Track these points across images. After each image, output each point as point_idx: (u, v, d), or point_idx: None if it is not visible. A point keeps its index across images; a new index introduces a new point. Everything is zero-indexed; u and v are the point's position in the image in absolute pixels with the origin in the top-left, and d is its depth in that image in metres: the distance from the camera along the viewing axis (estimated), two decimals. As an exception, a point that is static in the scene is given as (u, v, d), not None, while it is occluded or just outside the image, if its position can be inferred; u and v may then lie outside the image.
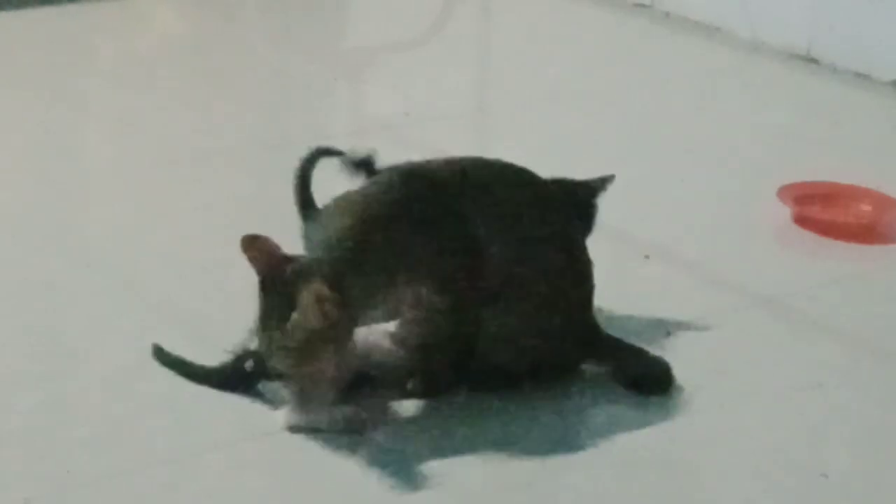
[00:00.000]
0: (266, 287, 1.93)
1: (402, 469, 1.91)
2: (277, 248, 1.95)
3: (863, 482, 1.96)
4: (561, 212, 2.11)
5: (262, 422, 2.01)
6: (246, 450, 1.96)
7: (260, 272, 1.94)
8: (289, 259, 1.95)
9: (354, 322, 1.97)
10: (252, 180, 2.91)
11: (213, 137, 3.15)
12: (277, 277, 1.92)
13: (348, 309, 1.92)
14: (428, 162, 2.10)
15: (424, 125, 3.23)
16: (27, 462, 1.93)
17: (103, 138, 3.24)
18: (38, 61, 3.63)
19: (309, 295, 1.88)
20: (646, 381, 2.12)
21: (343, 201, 2.03)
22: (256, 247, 1.94)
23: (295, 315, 1.89)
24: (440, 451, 1.95)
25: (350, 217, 1.98)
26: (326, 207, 2.07)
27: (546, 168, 3.03)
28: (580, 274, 2.10)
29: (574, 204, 2.26)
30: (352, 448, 1.95)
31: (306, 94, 3.48)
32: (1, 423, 2.02)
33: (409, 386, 2.03)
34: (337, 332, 1.92)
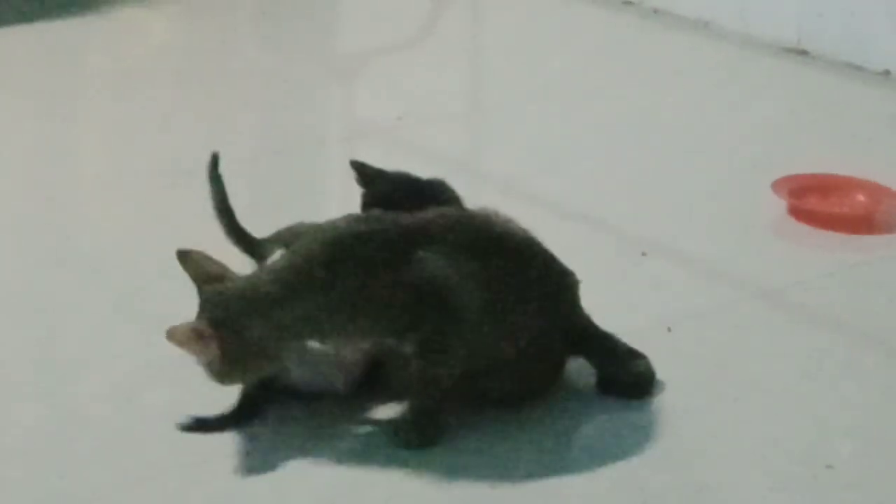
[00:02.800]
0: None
1: (403, 481, 1.91)
2: (212, 263, 1.99)
3: (868, 472, 1.95)
4: (517, 233, 2.08)
5: (268, 430, 2.01)
6: (252, 458, 1.95)
7: (195, 282, 1.98)
8: (216, 276, 1.97)
9: (266, 353, 1.97)
10: (247, 187, 2.90)
11: (207, 145, 3.13)
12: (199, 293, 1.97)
13: (246, 344, 1.93)
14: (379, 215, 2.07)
15: (417, 128, 3.23)
16: (31, 476, 1.92)
17: (99, 149, 3.24)
18: (31, 75, 3.63)
19: (185, 333, 1.91)
20: (625, 386, 2.11)
21: (294, 232, 2.04)
22: (184, 260, 1.99)
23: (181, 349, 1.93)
24: (442, 459, 1.96)
25: (296, 253, 1.98)
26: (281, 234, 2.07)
27: (540, 167, 3.05)
28: (556, 283, 2.08)
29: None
30: (357, 457, 1.96)
31: (298, 99, 3.48)
32: (4, 437, 2.02)
33: (403, 437, 1.99)
34: (233, 364, 1.94)
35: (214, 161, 2.20)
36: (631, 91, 3.54)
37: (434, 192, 2.23)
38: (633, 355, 2.12)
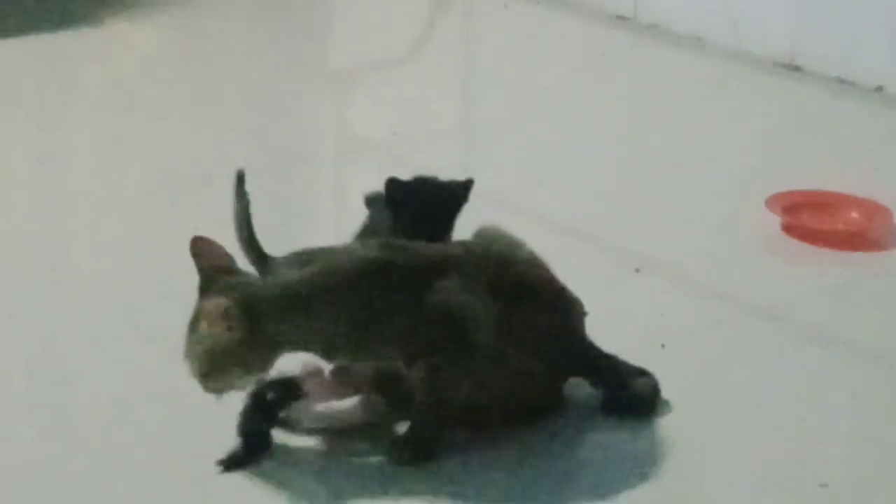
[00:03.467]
0: (203, 289, 1.96)
1: (401, 499, 1.91)
2: (225, 255, 1.99)
3: (862, 490, 1.96)
4: (534, 270, 2.09)
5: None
6: (247, 476, 1.95)
7: (201, 272, 1.97)
8: (231, 270, 1.97)
9: (269, 356, 1.97)
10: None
11: (198, 160, 3.15)
12: (214, 282, 1.96)
13: (260, 338, 1.93)
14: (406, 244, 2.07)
15: (412, 143, 3.23)
16: (27, 490, 1.92)
17: (93, 161, 3.24)
18: (23, 89, 3.63)
19: (215, 308, 1.91)
20: (630, 405, 2.11)
21: (314, 253, 2.03)
22: (202, 247, 1.98)
23: (202, 324, 1.92)
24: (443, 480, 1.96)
25: (315, 268, 1.97)
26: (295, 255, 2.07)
27: (533, 182, 3.05)
28: (565, 317, 2.09)
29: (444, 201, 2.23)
30: (354, 475, 1.96)
31: (292, 114, 3.48)
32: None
33: (397, 453, 1.99)
34: (243, 355, 1.93)
35: (240, 178, 2.20)
36: (624, 106, 3.54)
37: (465, 193, 2.24)
38: (638, 374, 2.13)
